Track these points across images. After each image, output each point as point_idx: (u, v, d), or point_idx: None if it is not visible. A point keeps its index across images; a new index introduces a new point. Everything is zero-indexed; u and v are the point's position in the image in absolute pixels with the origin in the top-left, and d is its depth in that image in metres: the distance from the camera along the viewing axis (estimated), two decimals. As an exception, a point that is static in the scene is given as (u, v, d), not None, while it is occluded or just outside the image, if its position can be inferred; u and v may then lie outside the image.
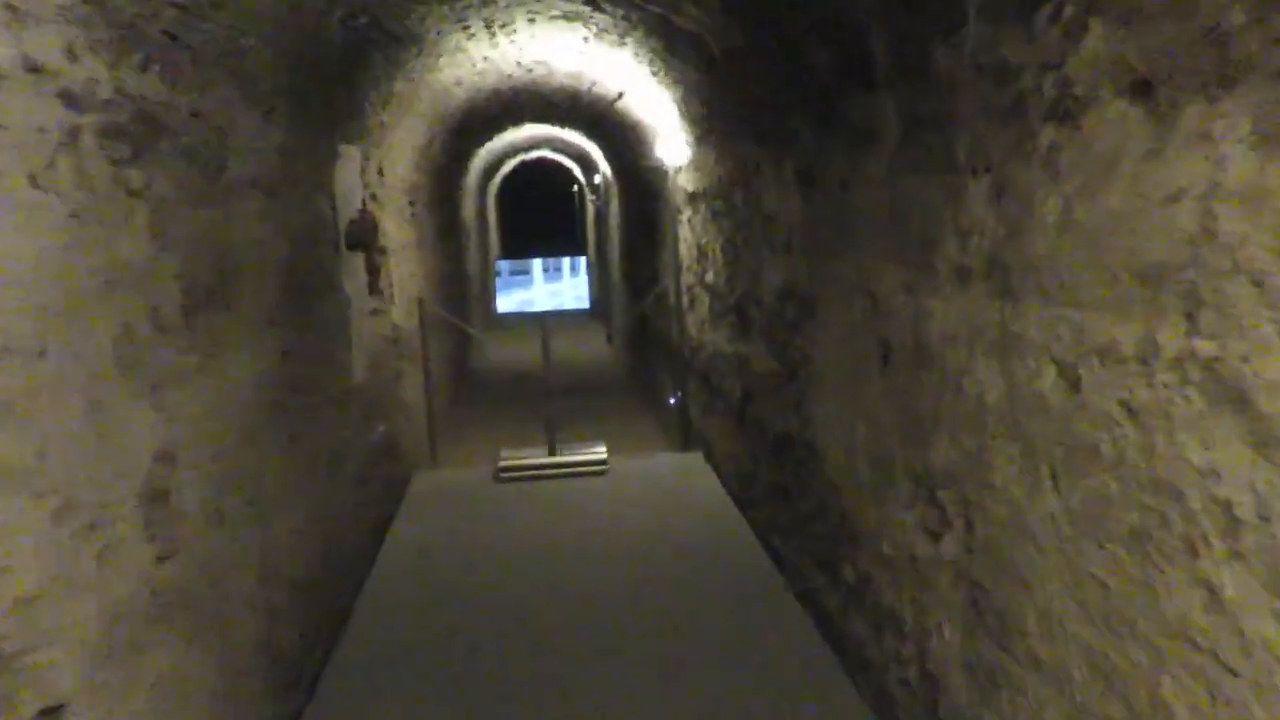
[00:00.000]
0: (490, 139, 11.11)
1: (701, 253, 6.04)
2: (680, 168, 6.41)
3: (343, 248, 4.62)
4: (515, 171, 21.03)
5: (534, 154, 17.13)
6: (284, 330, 3.42)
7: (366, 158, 5.35)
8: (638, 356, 10.43)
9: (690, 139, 5.92)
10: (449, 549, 4.72)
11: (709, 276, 5.87)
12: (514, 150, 14.75)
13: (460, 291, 11.20)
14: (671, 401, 6.70)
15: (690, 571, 4.34)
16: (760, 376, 4.76)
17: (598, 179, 14.62)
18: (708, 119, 5.31)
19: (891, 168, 2.87)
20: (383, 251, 5.85)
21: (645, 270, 9.29)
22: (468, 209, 13.07)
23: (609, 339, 14.41)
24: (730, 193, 5.17)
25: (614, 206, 12.99)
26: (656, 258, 8.38)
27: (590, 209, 20.83)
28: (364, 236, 5.34)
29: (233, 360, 2.86)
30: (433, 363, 7.67)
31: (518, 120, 10.21)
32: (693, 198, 6.16)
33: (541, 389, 6.14)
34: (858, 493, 3.32)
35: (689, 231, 6.41)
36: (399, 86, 5.45)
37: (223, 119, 2.92)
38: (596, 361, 12.91)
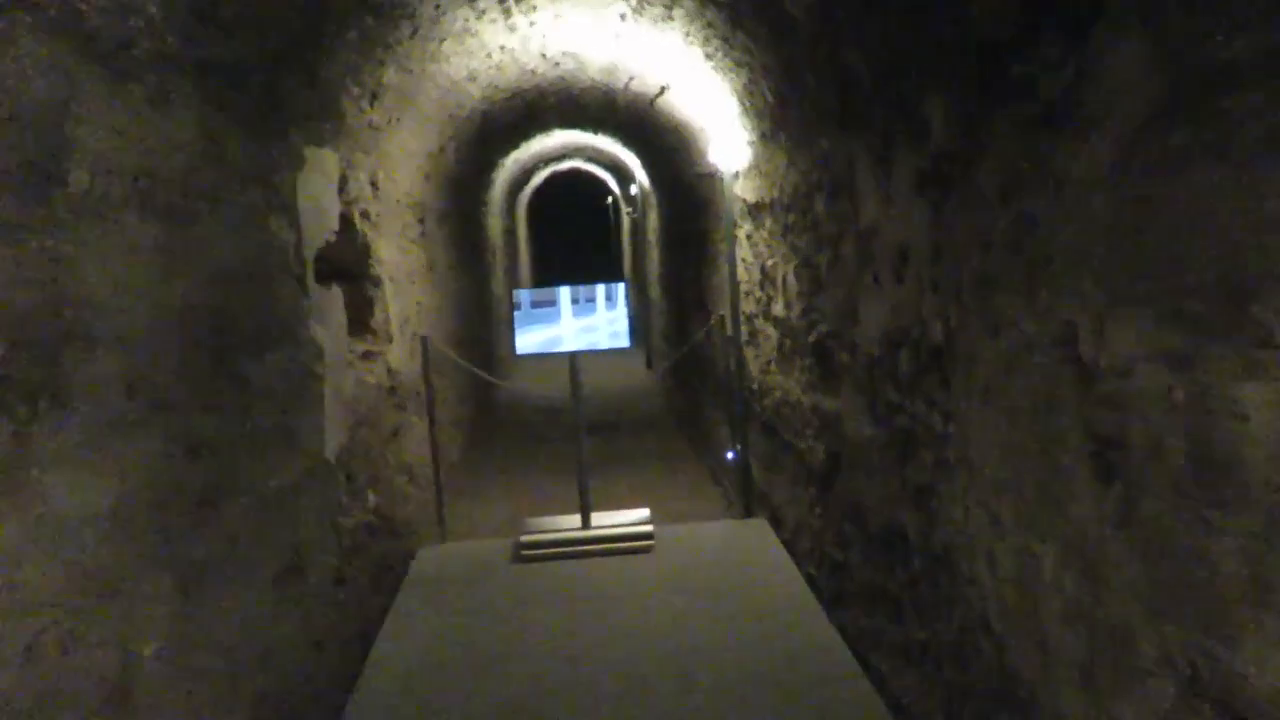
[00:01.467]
0: (516, 148, 10.08)
1: (766, 277, 4.93)
2: (738, 174, 5.30)
3: (311, 281, 3.56)
4: (545, 184, 20.05)
5: (566, 164, 16.14)
6: (186, 415, 2.35)
7: (351, 165, 4.31)
8: (682, 384, 9.32)
9: (753, 137, 4.81)
10: (451, 666, 3.63)
11: (777, 307, 4.75)
12: (543, 160, 13.74)
13: (484, 320, 10.15)
14: (729, 456, 5.57)
15: (763, 693, 3.23)
16: (855, 444, 3.63)
17: (634, 190, 13.55)
18: (779, 109, 4.19)
19: (1127, 159, 1.74)
20: (376, 282, 4.80)
21: (690, 291, 8.18)
22: (493, 226, 12.05)
23: (648, 363, 13.30)
24: (808, 202, 4.05)
25: (652, 219, 11.90)
26: (703, 278, 7.27)
27: (626, 221, 19.75)
28: (346, 264, 4.28)
29: (58, 487, 1.78)
30: (449, 404, 6.60)
31: (545, 126, 9.16)
32: (755, 210, 5.05)
33: (575, 426, 5.06)
34: (1044, 659, 2.17)
35: (749, 250, 5.30)
36: (391, 76, 4.40)
37: (52, 98, 1.85)
38: (635, 389, 11.81)
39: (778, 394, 4.85)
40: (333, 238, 3.86)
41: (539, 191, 20.60)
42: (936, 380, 2.79)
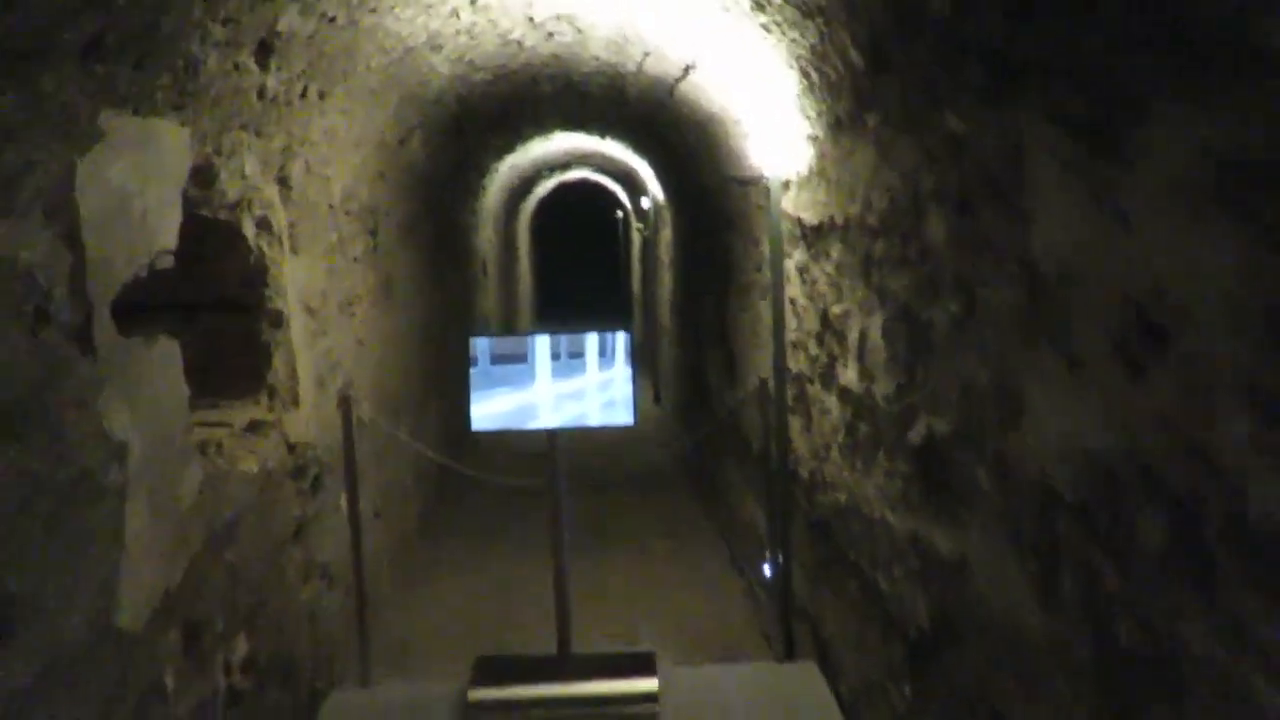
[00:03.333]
0: (510, 149, 8.68)
1: (829, 328, 3.49)
2: (789, 183, 3.87)
3: (103, 332, 2.13)
4: (550, 197, 18.67)
5: (572, 174, 14.75)
6: None
7: (226, 150, 2.88)
8: (695, 429, 7.88)
9: (817, 129, 3.38)
10: None
11: (846, 374, 3.31)
12: (546, 167, 12.35)
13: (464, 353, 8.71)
14: (765, 571, 4.09)
15: None
16: (997, 622, 2.18)
17: (646, 203, 12.15)
18: (871, 73, 2.76)
19: None
20: (276, 320, 3.37)
21: (708, 326, 6.75)
22: (484, 241, 10.64)
23: (656, 398, 11.86)
24: (913, 221, 2.61)
25: (665, 237, 10.47)
26: (728, 314, 5.84)
27: (636, 239, 18.33)
28: (219, 294, 2.87)
29: None
30: (397, 479, 5.16)
31: (543, 125, 7.75)
32: (813, 233, 3.62)
33: (554, 527, 3.61)
34: None
35: (801, 289, 3.86)
36: (295, 22, 2.98)
37: None
38: (638, 433, 10.33)
39: (842, 497, 3.40)
40: (167, 258, 2.43)
41: (544, 206, 19.22)
42: (1242, 581, 1.35)
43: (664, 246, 10.91)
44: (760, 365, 4.87)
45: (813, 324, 3.72)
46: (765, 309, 4.68)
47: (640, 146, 8.19)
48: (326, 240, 4.07)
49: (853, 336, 3.23)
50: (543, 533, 6.11)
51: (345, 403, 3.61)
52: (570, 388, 3.40)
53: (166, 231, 2.42)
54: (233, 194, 3.01)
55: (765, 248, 4.63)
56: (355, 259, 4.56)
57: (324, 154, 3.93)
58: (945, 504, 2.49)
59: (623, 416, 3.39)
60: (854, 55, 2.79)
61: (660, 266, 11.39)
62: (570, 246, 22.73)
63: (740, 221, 5.30)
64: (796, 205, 3.83)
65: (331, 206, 4.15)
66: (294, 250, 3.60)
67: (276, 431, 3.31)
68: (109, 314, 2.16)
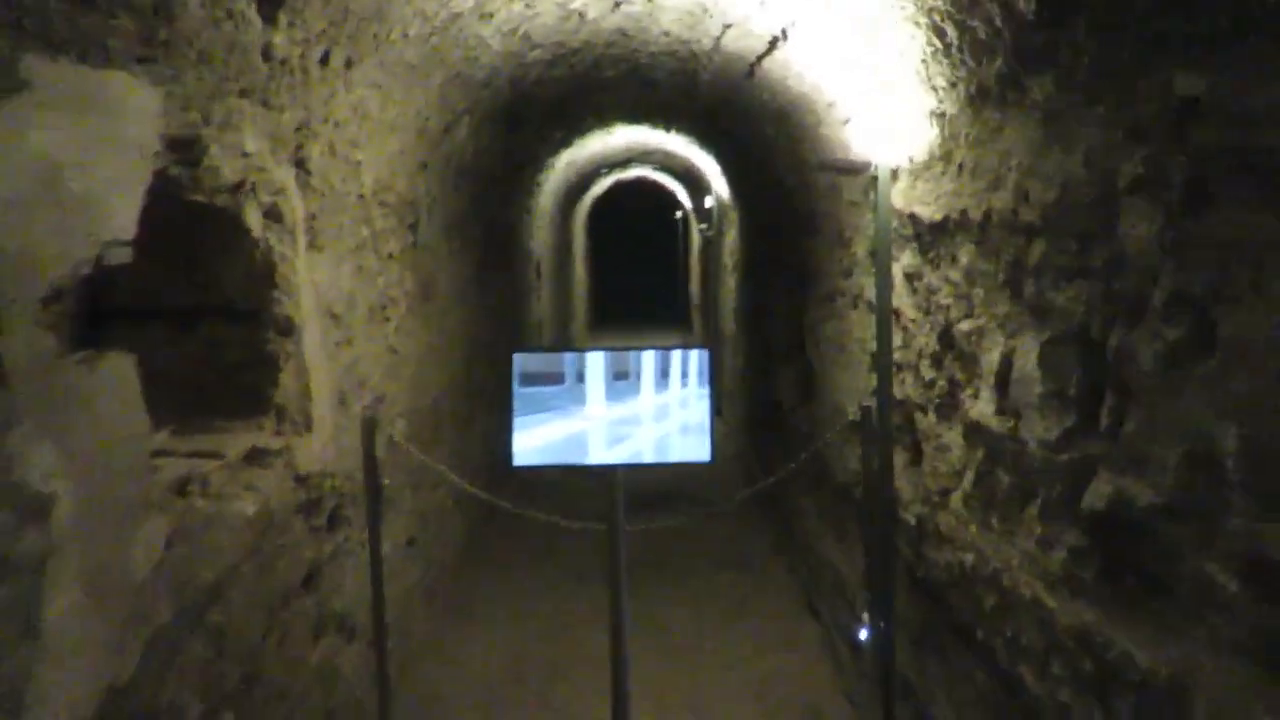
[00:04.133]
0: (568, 144, 8.12)
1: (952, 346, 2.84)
2: (898, 170, 3.23)
3: (16, 347, 1.58)
4: (606, 196, 18.16)
5: (632, 172, 14.19)
6: None
7: (217, 120, 2.33)
8: (760, 448, 7.23)
9: (951, 101, 2.73)
10: None
11: (976, 405, 2.66)
12: (605, 165, 11.79)
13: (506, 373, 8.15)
14: (861, 634, 3.44)
15: None
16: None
17: (709, 202, 11.53)
18: (1040, 30, 2.11)
19: None
20: (285, 328, 2.82)
21: (782, 337, 6.11)
22: (539, 243, 10.11)
23: (716, 410, 11.20)
24: (1101, 217, 1.96)
25: (730, 239, 9.84)
26: (811, 325, 5.19)
27: (696, 240, 17.68)
28: (200, 298, 2.34)
29: None
30: (433, 507, 4.63)
31: (604, 118, 7.18)
32: (935, 231, 2.97)
33: (615, 593, 3.00)
34: None
35: (911, 298, 3.21)
36: (306, -34, 2.43)
37: None
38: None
39: (967, 557, 2.75)
40: (122, 251, 1.87)
41: (599, 206, 18.68)
42: None
43: (728, 250, 10.28)
44: (845, 385, 4.23)
45: (927, 342, 3.07)
46: (856, 321, 4.04)
47: (707, 140, 7.58)
48: (356, 236, 3.53)
49: (988, 360, 2.58)
50: (598, 563, 5.56)
51: (369, 426, 3.05)
52: (625, 412, 2.80)
53: (120, 216, 1.87)
54: (230, 174, 2.46)
55: (857, 249, 3.99)
56: (391, 257, 4.01)
57: (353, 135, 3.38)
58: (1146, 601, 1.84)
59: (697, 451, 2.79)
60: (1014, 8, 2.14)
61: (723, 271, 10.76)
62: (626, 249, 22.17)
63: (825, 221, 4.65)
64: (907, 199, 3.19)
65: (362, 197, 3.60)
66: (314, 246, 3.05)
67: (283, 461, 2.76)
68: (29, 326, 1.61)
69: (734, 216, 9.12)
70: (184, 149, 2.23)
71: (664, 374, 2.87)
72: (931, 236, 3.00)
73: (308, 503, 2.93)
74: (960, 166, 2.70)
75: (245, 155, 2.52)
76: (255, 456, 2.67)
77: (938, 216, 2.91)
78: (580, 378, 2.84)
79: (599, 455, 2.79)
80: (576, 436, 2.79)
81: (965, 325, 2.74)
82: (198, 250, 2.71)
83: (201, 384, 2.76)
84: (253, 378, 2.80)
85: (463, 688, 4.10)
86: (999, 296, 2.50)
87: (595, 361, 2.80)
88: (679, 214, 20.28)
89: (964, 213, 2.70)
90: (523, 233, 8.84)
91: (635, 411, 2.80)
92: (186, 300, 2.75)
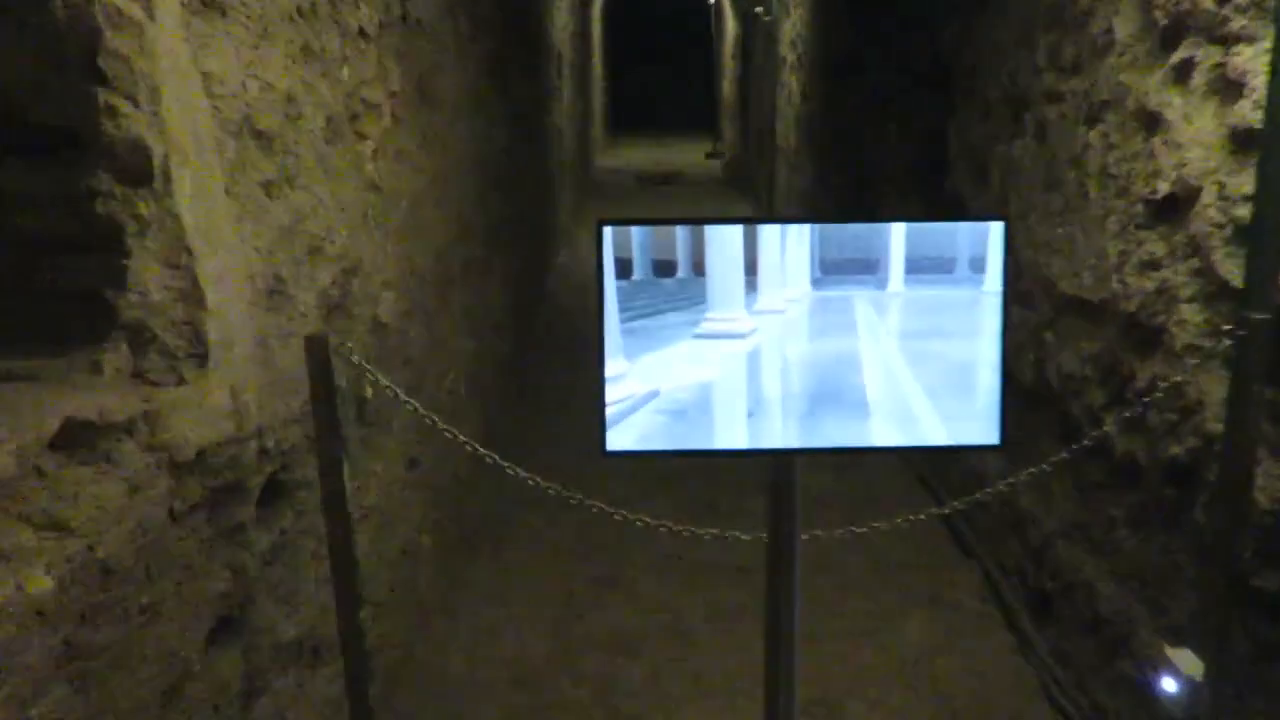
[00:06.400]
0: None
1: None
2: None
3: None
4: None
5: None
6: None
7: None
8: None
9: None
10: None
11: None
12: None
13: (537, 180, 6.56)
14: (1165, 681, 2.12)
15: None
16: None
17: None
18: None
19: None
20: (136, 168, 1.36)
21: (897, 159, 4.58)
22: (559, 25, 8.31)
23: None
24: None
25: (793, 24, 8.02)
26: (965, 143, 3.67)
27: (730, 30, 15.39)
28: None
29: None
30: (452, 357, 3.30)
31: None
32: None
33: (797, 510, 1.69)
34: None
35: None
36: None
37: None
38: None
39: None
40: None
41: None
42: None
43: (788, 38, 8.49)
44: (1064, 249, 2.77)
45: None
46: (1096, 143, 2.54)
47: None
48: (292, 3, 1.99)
49: None
50: (679, 502, 3.95)
51: (318, 350, 1.65)
52: (838, 348, 1.39)
53: None
54: None
55: (1118, 27, 2.44)
56: (364, 36, 2.47)
57: None
58: None
59: (977, 430, 1.40)
60: None
61: (778, 67, 8.97)
62: (646, 43, 19.82)
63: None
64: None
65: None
66: (204, 3, 1.55)
67: (139, 439, 1.38)
68: None
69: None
70: None
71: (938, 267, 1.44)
72: None
73: (210, 496, 1.58)
74: None
75: None
76: (74, 440, 1.29)
77: None
78: (697, 266, 1.41)
79: (775, 432, 1.40)
80: (721, 385, 1.40)
81: None
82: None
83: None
84: (78, 272, 1.39)
85: (497, 673, 2.86)
86: None
87: (772, 238, 1.36)
88: (711, 0, 17.94)
89: None
90: (544, 18, 7.08)
91: (853, 346, 1.39)
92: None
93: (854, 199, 5.56)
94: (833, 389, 1.41)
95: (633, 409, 1.39)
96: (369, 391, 2.38)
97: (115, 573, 1.30)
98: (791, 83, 8.17)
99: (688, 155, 16.85)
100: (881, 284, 1.42)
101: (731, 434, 1.41)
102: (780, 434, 1.42)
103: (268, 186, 1.83)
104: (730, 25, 14.63)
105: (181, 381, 1.49)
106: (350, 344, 1.82)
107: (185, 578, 1.50)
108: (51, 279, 1.40)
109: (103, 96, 1.32)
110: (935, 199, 3.99)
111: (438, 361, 3.27)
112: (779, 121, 8.82)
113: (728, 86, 15.31)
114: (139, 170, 1.38)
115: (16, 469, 1.19)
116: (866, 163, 5.23)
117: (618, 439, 1.39)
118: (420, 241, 3.02)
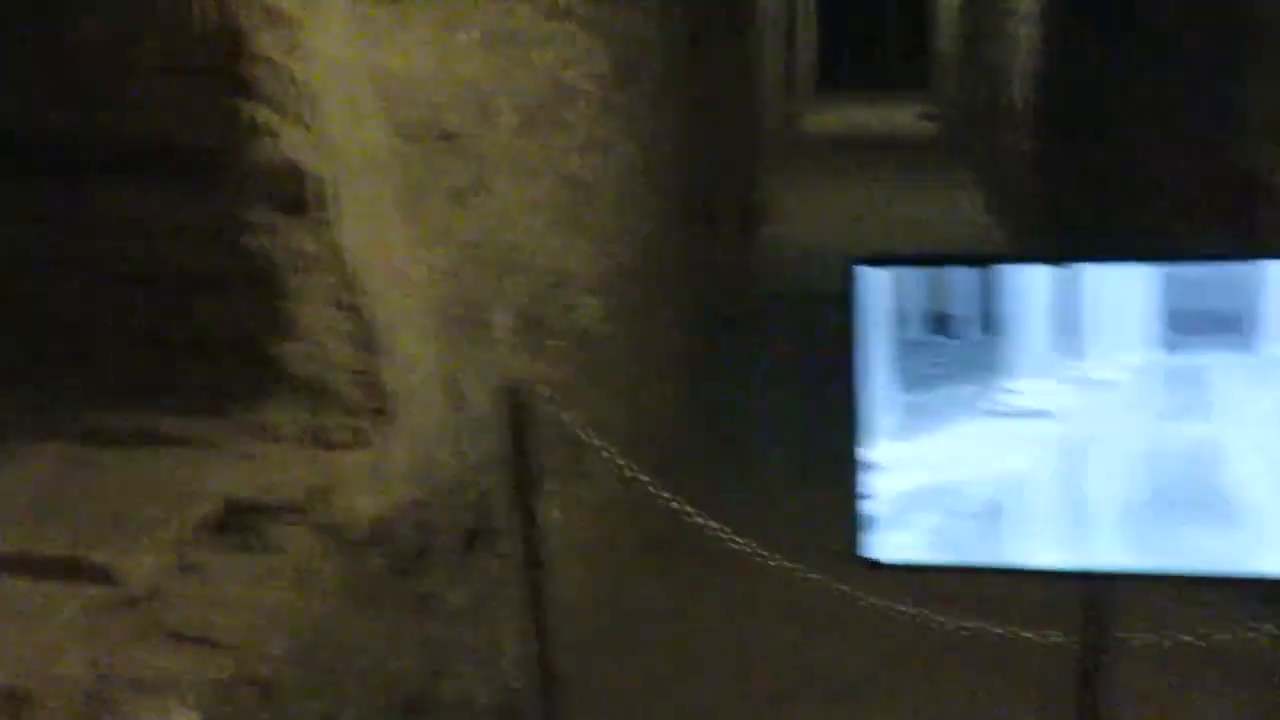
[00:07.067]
0: None
1: None
2: None
3: None
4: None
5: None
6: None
7: None
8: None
9: None
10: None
11: None
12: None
13: (738, 155, 6.10)
14: None
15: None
16: None
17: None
18: None
19: None
20: (293, 191, 1.12)
21: None
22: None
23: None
24: None
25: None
26: None
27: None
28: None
29: None
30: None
31: None
32: None
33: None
34: None
35: None
36: None
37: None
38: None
39: None
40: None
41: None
42: None
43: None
44: None
45: None
46: None
47: None
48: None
49: None
50: None
51: (515, 399, 1.39)
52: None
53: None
54: None
55: None
56: (563, 10, 2.19)
57: None
58: None
59: None
60: None
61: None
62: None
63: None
64: None
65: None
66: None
67: (311, 515, 1.16)
68: None
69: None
70: None
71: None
72: None
73: (393, 567, 1.35)
74: None
75: None
76: (233, 524, 1.08)
77: None
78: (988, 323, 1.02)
79: (1101, 553, 1.01)
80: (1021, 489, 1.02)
81: None
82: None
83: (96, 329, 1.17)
84: (231, 315, 1.18)
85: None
86: None
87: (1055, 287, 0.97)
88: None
89: None
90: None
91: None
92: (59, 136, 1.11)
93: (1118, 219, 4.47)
94: (1184, 491, 1.00)
95: (900, 506, 1.03)
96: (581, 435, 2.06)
97: (277, 688, 1.09)
98: (1034, 33, 7.27)
99: (894, 117, 15.44)
100: (1256, 346, 0.99)
101: (1038, 547, 1.03)
102: (1105, 549, 1.02)
103: (455, 196, 1.58)
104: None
105: (357, 442, 1.26)
106: (551, 392, 1.54)
107: (366, 668, 1.29)
108: (202, 323, 1.20)
109: (249, 111, 1.08)
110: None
111: (648, 367, 2.99)
112: (1021, 84, 7.83)
113: (948, 41, 14.14)
114: (295, 196, 1.14)
115: (161, 573, 0.99)
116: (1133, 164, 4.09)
117: (883, 545, 1.04)
118: (625, 238, 2.74)
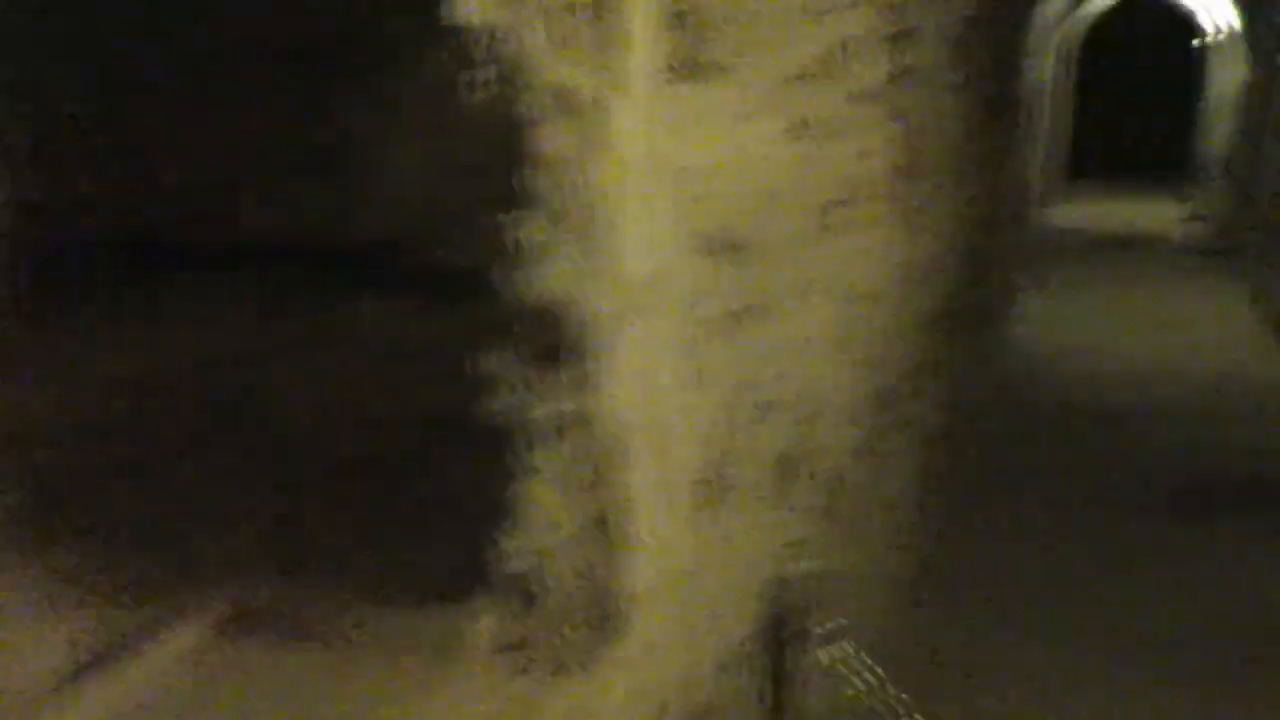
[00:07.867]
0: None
1: None
2: None
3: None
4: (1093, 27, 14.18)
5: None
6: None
7: None
8: None
9: None
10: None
11: None
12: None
13: (997, 248, 5.52)
14: None
15: None
16: None
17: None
18: None
19: None
20: (568, 334, 0.80)
21: None
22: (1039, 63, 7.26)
23: None
24: None
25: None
26: None
27: (1232, 80, 12.97)
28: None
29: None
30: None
31: None
32: None
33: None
34: None
35: None
36: None
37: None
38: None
39: None
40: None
41: (1089, 27, 14.60)
42: None
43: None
44: None
45: None
46: None
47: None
48: (794, 43, 1.40)
49: None
50: None
51: (778, 644, 1.02)
52: None
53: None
54: None
55: None
56: (861, 97, 1.83)
57: None
58: None
59: None
60: None
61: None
62: (1112, 86, 17.60)
63: None
64: None
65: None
66: (689, 66, 1.00)
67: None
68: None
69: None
70: None
71: None
72: None
73: None
74: None
75: None
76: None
77: None
78: None
79: None
80: None
81: None
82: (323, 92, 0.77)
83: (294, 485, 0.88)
84: (441, 479, 0.87)
85: None
86: None
87: None
88: (1196, 42, 15.51)
89: None
90: (1019, 56, 6.12)
91: None
92: (268, 229, 0.84)
93: None
94: None
95: None
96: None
97: None
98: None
99: (1152, 215, 14.45)
100: None
101: None
102: None
103: (731, 322, 1.24)
104: (1232, 67, 12.40)
105: (577, 664, 0.92)
106: (834, 624, 1.16)
107: None
108: (406, 484, 0.90)
109: (517, 225, 0.78)
110: None
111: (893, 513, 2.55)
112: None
113: (1218, 141, 12.99)
114: (555, 341, 0.82)
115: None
116: None
117: None
118: (891, 361, 2.33)
